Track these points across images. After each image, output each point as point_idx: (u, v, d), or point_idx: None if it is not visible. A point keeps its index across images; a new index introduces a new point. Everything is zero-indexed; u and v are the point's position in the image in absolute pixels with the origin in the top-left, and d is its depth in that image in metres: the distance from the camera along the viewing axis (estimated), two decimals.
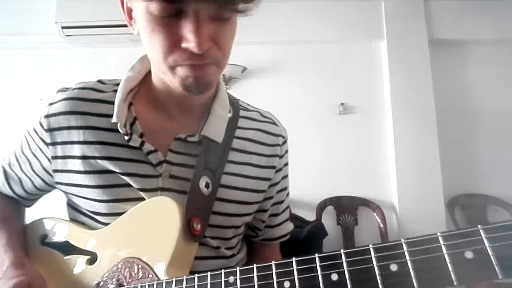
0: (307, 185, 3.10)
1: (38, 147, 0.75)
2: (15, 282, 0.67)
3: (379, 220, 3.01)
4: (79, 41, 3.19)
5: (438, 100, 3.18)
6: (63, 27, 3.00)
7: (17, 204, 0.87)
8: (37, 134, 0.75)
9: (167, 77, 0.65)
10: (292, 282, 0.44)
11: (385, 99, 3.25)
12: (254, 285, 0.47)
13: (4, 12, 3.12)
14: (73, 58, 3.26)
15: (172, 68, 0.62)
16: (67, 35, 3.08)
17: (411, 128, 3.13)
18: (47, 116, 0.73)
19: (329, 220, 3.02)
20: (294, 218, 1.20)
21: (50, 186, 0.79)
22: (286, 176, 0.89)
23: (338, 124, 3.26)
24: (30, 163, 0.78)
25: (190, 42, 0.57)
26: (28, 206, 0.89)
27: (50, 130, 0.73)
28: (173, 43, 0.59)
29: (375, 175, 3.20)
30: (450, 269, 0.37)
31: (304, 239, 1.00)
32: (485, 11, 3.28)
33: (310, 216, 2.83)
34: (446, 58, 3.36)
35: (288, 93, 3.27)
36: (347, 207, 3.10)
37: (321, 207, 3.03)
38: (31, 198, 0.86)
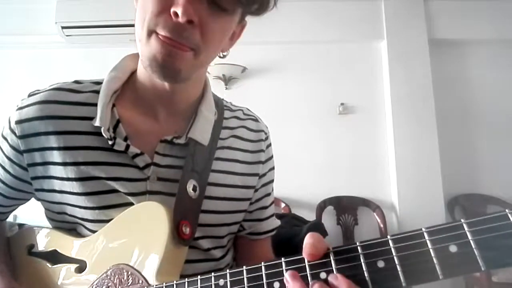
0: (307, 185, 3.11)
1: (7, 156, 0.71)
2: None
3: (379, 220, 3.01)
4: (79, 41, 3.20)
5: (438, 100, 3.18)
6: (63, 27, 3.01)
7: None
8: (7, 142, 0.70)
9: (141, 47, 0.62)
10: (282, 282, 0.44)
11: (385, 99, 3.25)
12: (244, 286, 0.47)
13: (4, 12, 3.13)
14: (73, 58, 3.27)
15: (149, 35, 0.60)
16: (67, 35, 3.09)
17: (411, 128, 3.13)
18: (20, 122, 0.68)
19: (329, 220, 3.02)
20: (294, 218, 1.20)
21: (27, 193, 0.75)
22: (272, 169, 0.88)
23: (338, 124, 3.26)
24: None
25: (178, 6, 0.56)
26: (2, 219, 0.84)
27: (24, 136, 0.68)
28: (163, 7, 0.58)
29: (375, 175, 3.20)
30: (435, 263, 0.38)
31: (303, 239, 0.99)
32: (485, 11, 3.28)
33: (310, 216, 2.84)
34: (446, 58, 3.36)
35: (288, 93, 3.27)
36: (347, 207, 3.10)
37: (321, 207, 3.03)
38: (4, 211, 0.81)
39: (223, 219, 0.76)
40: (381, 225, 2.97)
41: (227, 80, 3.22)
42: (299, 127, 3.20)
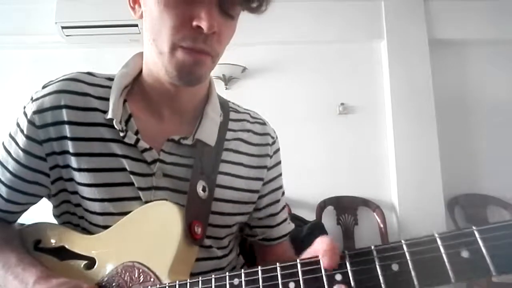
0: (307, 185, 3.11)
1: (23, 149, 0.70)
2: None
3: (379, 220, 3.01)
4: (79, 41, 3.20)
5: (438, 100, 3.18)
6: (63, 27, 3.01)
7: (6, 224, 0.80)
8: (23, 134, 0.70)
9: (163, 59, 0.65)
10: (297, 283, 0.44)
11: (385, 99, 3.26)
12: (259, 286, 0.47)
13: (4, 12, 3.12)
14: (73, 58, 3.26)
15: (173, 49, 0.63)
16: (67, 35, 3.09)
17: (411, 128, 3.13)
18: (38, 112, 0.69)
19: (329, 220, 3.03)
20: (294, 218, 1.20)
21: (42, 187, 0.73)
22: (279, 175, 0.89)
23: (338, 124, 3.26)
24: (9, 170, 0.72)
25: (202, 20, 0.60)
26: (11, 221, 0.81)
27: (44, 126, 0.69)
28: (183, 21, 0.61)
29: (375, 175, 3.20)
30: (448, 268, 0.39)
31: (304, 239, 1.00)
32: (485, 11, 3.29)
33: (310, 216, 2.83)
34: (446, 58, 3.37)
35: (288, 93, 3.27)
36: (347, 207, 3.10)
37: (321, 207, 3.03)
38: (17, 210, 0.78)
39: (226, 220, 0.77)
40: (381, 225, 2.98)
41: (227, 80, 3.22)
42: (299, 127, 3.20)
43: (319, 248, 0.46)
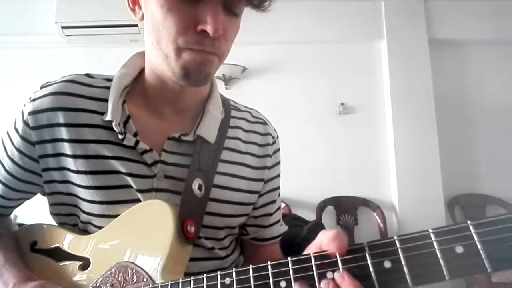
0: (307, 185, 3.11)
1: (17, 149, 0.71)
2: None
3: (379, 220, 3.01)
4: (79, 41, 3.20)
5: (438, 100, 3.18)
6: (63, 27, 3.00)
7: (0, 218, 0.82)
8: (18, 134, 0.70)
9: (169, 61, 0.64)
10: (288, 281, 0.44)
11: (385, 99, 3.26)
12: (250, 285, 0.47)
13: (4, 12, 3.12)
14: (73, 58, 3.26)
15: (179, 51, 0.62)
16: (67, 35, 3.08)
17: (411, 128, 3.13)
18: (33, 113, 0.68)
19: (329, 220, 3.02)
20: (294, 218, 1.20)
21: (35, 186, 0.74)
22: (278, 176, 0.87)
23: (338, 124, 3.26)
24: (4, 167, 0.73)
25: (207, 24, 0.59)
26: (6, 215, 0.83)
27: (37, 127, 0.68)
28: (188, 25, 0.60)
29: (375, 175, 3.20)
30: (442, 264, 0.38)
31: (304, 239, 0.99)
32: (485, 11, 3.28)
33: (310, 216, 2.83)
34: (446, 58, 3.36)
35: (288, 93, 3.27)
36: (347, 207, 3.10)
37: (321, 207, 3.03)
38: (11, 204, 0.80)
39: (226, 222, 0.76)
40: (381, 225, 2.98)
41: (227, 80, 3.22)
42: (299, 127, 3.20)
43: (323, 240, 0.45)
